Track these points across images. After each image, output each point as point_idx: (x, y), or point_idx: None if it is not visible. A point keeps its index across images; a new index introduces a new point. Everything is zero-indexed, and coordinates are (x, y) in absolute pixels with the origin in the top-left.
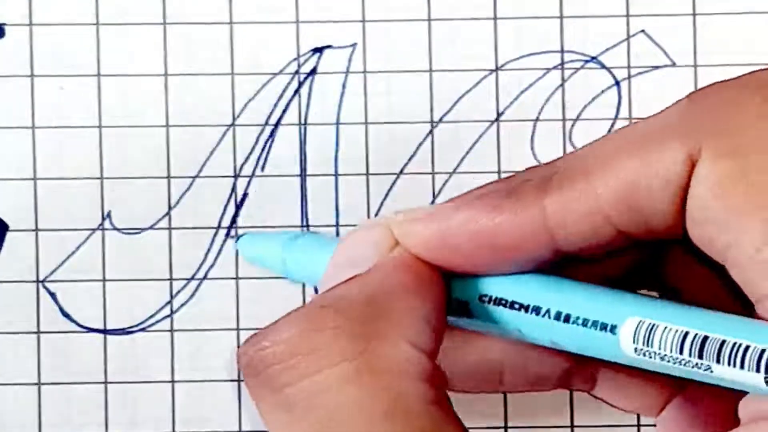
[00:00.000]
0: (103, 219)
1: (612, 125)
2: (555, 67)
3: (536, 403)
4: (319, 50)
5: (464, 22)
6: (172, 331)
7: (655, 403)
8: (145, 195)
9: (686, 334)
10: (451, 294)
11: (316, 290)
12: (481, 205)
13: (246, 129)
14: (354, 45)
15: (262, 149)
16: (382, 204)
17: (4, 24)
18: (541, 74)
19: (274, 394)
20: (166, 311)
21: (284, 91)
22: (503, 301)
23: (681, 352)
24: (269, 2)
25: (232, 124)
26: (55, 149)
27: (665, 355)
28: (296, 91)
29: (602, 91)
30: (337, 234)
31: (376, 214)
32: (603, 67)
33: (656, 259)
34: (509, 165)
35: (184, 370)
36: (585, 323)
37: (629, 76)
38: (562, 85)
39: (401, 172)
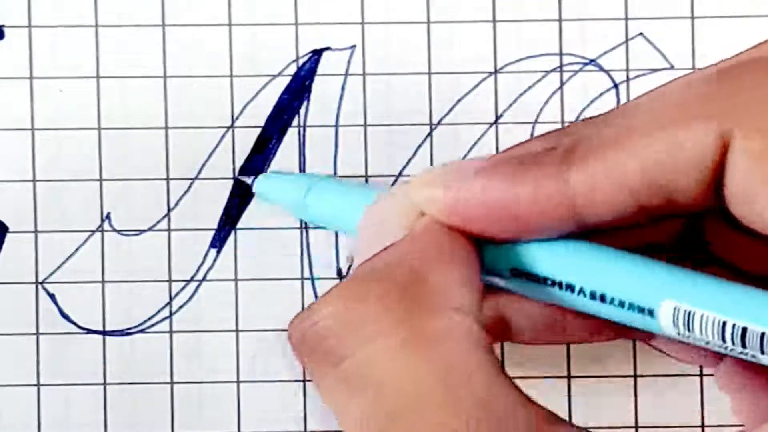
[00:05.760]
0: (103, 220)
1: None
2: (554, 70)
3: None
4: (318, 52)
5: (463, 25)
6: (171, 332)
7: (714, 355)
8: (144, 196)
9: (725, 324)
10: (483, 260)
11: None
12: (500, 173)
13: (245, 131)
14: (353, 47)
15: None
16: None
17: (4, 26)
18: (539, 77)
19: (335, 368)
20: (166, 313)
21: (283, 92)
22: (535, 277)
23: (723, 341)
24: (268, 4)
25: (232, 126)
26: (55, 151)
27: (708, 341)
28: (295, 93)
29: (600, 94)
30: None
31: None
32: (601, 69)
33: (693, 231)
34: None
35: (183, 371)
36: (621, 305)
37: (627, 79)
38: (560, 87)
39: (400, 174)
